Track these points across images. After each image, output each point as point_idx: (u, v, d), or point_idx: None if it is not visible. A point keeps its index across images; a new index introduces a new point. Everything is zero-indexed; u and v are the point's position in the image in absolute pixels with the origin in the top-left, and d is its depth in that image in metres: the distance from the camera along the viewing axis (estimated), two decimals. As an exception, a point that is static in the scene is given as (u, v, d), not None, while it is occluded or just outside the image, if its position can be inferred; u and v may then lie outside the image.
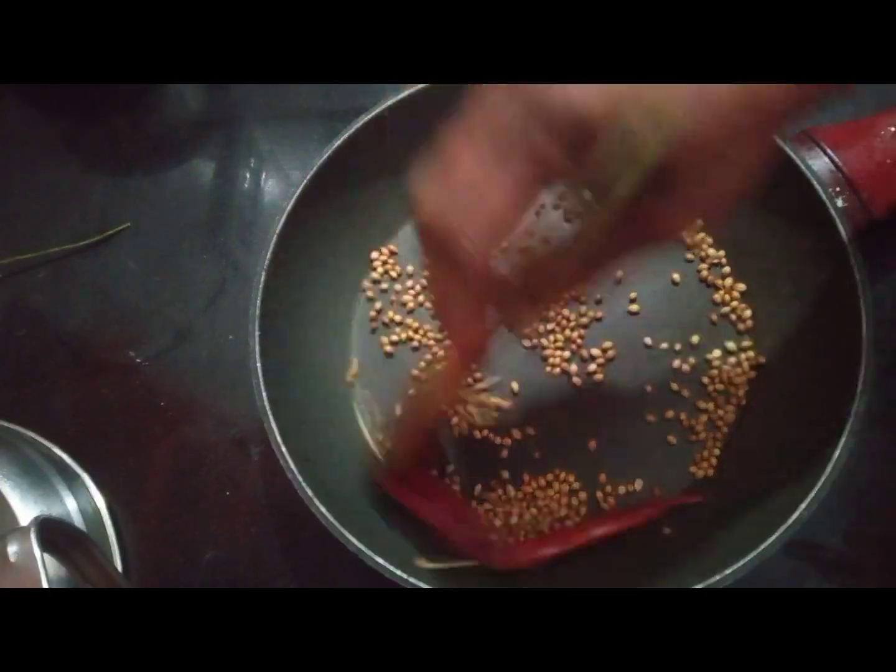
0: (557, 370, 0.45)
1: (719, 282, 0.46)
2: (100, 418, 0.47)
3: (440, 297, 0.26)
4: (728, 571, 0.34)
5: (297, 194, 0.42)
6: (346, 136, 0.43)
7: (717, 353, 0.44)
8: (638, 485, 0.42)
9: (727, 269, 0.46)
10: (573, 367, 0.45)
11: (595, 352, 0.45)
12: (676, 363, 0.44)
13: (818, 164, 0.41)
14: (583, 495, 0.42)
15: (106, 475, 0.45)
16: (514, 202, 0.22)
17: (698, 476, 0.42)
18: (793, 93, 0.22)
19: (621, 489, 0.42)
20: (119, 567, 0.43)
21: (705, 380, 0.44)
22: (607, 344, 0.45)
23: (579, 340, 0.45)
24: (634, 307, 0.46)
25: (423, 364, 0.46)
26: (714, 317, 0.45)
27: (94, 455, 0.45)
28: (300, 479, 0.37)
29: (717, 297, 0.45)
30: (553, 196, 0.48)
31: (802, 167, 0.40)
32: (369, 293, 0.47)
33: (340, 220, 0.45)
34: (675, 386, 0.44)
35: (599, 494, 0.42)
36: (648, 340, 0.45)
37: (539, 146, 0.22)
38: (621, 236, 0.24)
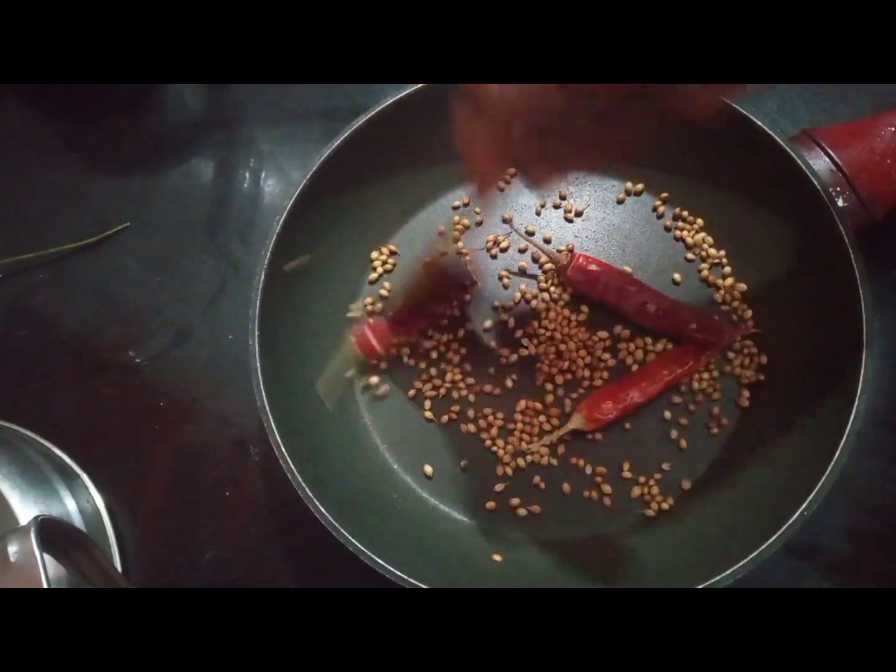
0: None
1: (720, 282, 0.46)
2: (100, 418, 0.47)
3: (468, 136, 0.31)
4: (728, 571, 0.34)
5: (296, 194, 0.42)
6: (345, 135, 0.43)
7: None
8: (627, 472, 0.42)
9: (728, 270, 0.46)
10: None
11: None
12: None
13: (818, 164, 0.41)
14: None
15: (106, 475, 0.45)
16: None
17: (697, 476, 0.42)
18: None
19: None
20: (119, 567, 0.43)
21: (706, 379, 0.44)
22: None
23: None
24: (634, 307, 0.46)
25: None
26: (715, 317, 0.45)
27: (94, 455, 0.45)
28: (300, 479, 0.37)
29: (718, 297, 0.45)
30: (554, 195, 0.48)
31: (803, 167, 0.40)
32: (369, 293, 0.47)
33: (340, 220, 0.45)
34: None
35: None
36: (650, 340, 0.45)
37: None
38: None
